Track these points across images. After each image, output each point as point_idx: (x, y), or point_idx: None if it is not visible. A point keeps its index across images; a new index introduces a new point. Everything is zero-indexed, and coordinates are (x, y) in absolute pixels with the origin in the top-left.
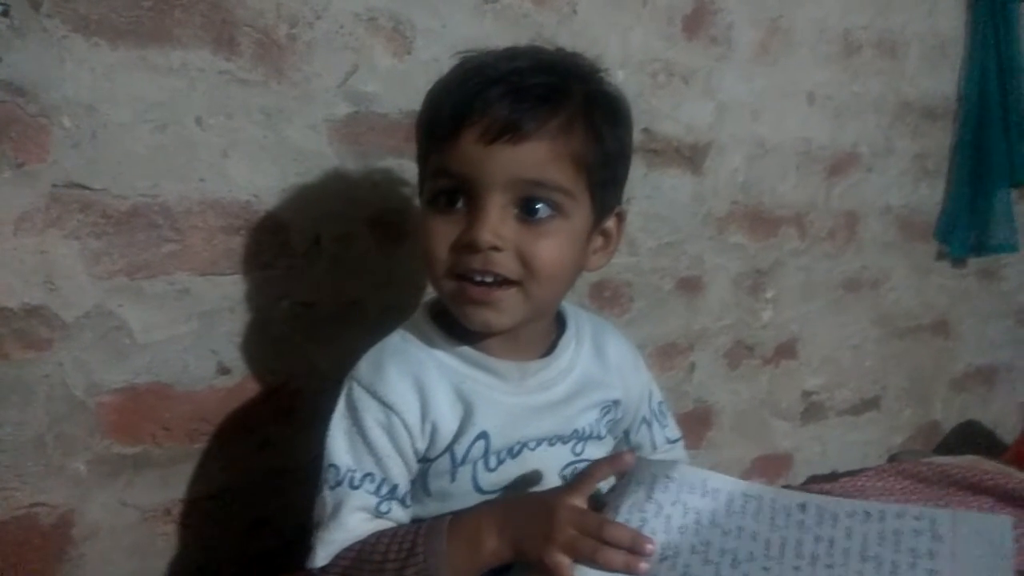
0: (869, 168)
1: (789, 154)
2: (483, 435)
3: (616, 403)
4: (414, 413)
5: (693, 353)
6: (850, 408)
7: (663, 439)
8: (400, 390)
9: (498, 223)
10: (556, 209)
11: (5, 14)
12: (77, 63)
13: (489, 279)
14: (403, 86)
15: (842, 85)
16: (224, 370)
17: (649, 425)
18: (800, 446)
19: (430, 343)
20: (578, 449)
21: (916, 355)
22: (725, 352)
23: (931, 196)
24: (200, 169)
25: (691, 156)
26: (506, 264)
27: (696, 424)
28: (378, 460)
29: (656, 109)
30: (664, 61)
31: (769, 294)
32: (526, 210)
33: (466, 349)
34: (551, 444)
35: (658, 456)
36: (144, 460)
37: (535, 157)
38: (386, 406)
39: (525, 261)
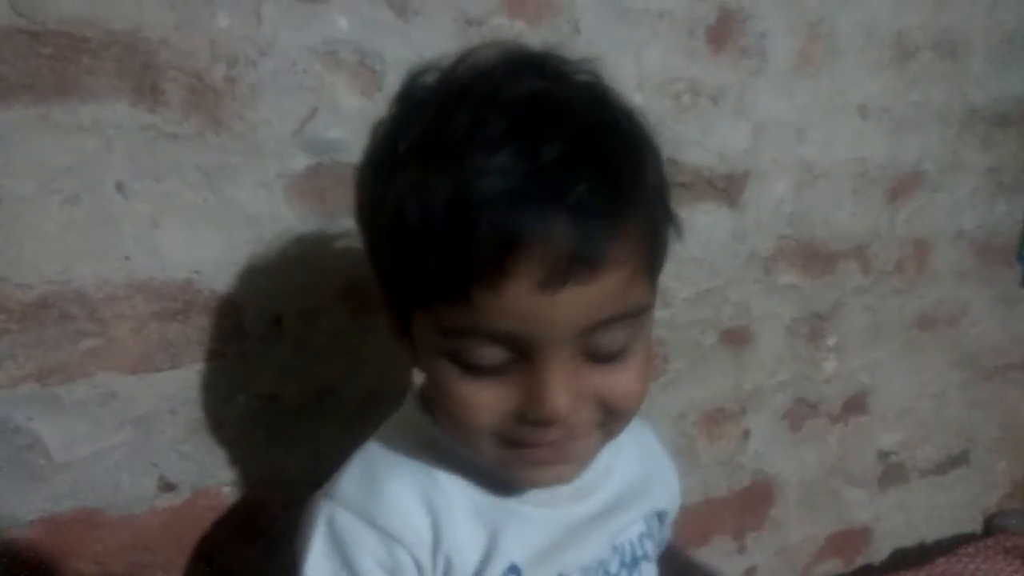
0: (936, 188)
1: (843, 178)
2: (513, 569)
3: (662, 514)
4: (425, 545)
5: (746, 417)
6: (935, 467)
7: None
8: (407, 513)
9: (571, 382)
10: (634, 330)
11: None
12: None
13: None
14: None
15: (898, 94)
16: (167, 486)
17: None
18: (880, 516)
19: (433, 446)
20: None
21: (1007, 398)
22: (784, 413)
23: (1009, 214)
24: (124, 245)
25: (726, 187)
26: (584, 417)
27: (756, 502)
28: None
29: (682, 136)
30: (688, 80)
31: (831, 341)
32: (600, 352)
33: None
34: None
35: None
36: None
37: (613, 287)
38: (390, 538)
39: (606, 405)
